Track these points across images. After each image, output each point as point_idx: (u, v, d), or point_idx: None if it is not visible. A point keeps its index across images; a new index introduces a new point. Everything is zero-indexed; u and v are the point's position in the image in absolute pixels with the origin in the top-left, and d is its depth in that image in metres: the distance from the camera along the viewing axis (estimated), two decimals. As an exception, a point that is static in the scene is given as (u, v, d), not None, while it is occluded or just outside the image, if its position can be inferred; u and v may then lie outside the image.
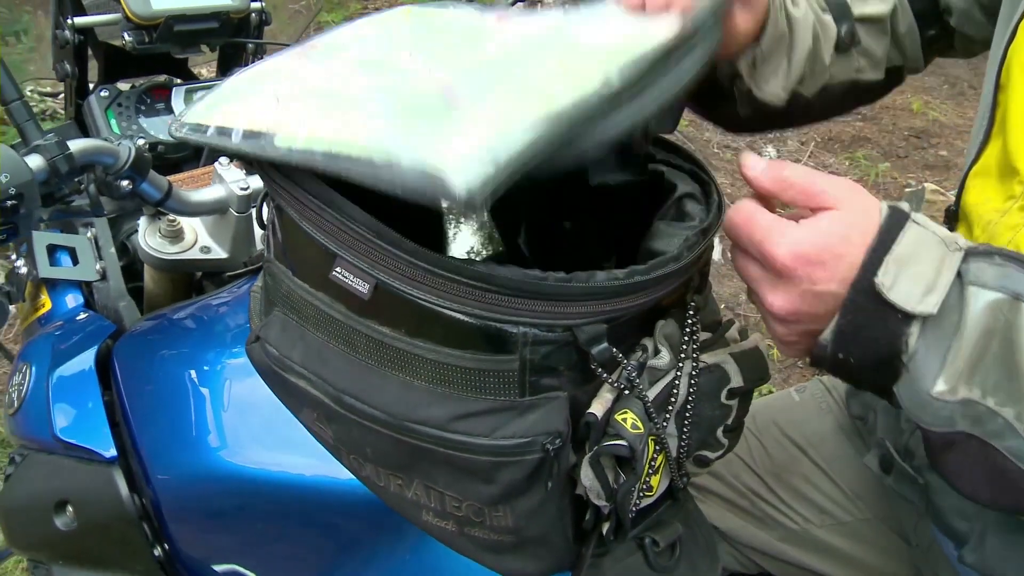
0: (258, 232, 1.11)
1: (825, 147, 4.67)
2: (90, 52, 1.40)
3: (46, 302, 1.27)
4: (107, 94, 1.35)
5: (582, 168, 0.84)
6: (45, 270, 1.22)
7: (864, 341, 0.60)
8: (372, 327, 0.65)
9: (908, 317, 0.57)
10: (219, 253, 1.10)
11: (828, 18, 0.95)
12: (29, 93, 4.08)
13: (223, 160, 1.10)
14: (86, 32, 1.34)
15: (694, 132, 4.45)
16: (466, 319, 0.60)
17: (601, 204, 0.93)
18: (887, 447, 0.98)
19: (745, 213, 0.65)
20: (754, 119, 0.97)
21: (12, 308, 1.29)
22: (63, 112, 1.45)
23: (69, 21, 1.30)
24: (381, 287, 0.62)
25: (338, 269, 0.65)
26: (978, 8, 0.97)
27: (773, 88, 0.92)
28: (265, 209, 0.82)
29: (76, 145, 0.92)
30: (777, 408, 1.20)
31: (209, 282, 1.18)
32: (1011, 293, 0.56)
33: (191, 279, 1.19)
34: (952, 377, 0.57)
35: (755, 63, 0.90)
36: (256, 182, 1.07)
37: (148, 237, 1.11)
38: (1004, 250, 0.59)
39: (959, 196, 0.87)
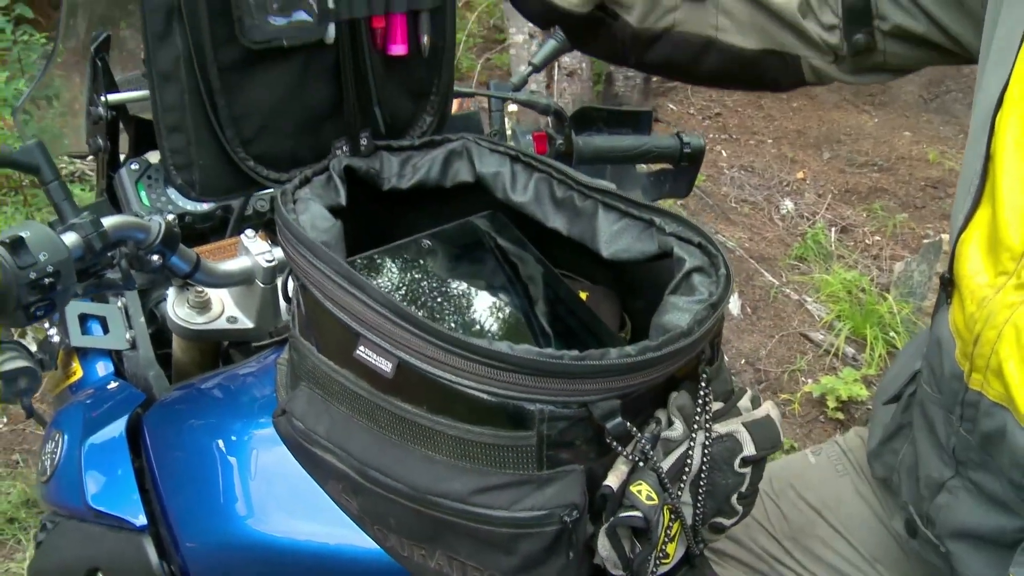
0: (283, 302, 1.14)
1: (842, 199, 4.69)
2: (121, 125, 1.45)
3: (77, 370, 1.30)
4: (137, 167, 1.40)
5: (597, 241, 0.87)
6: (77, 339, 1.26)
7: None
8: (395, 404, 0.68)
9: None
10: (245, 323, 1.13)
11: None
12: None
13: (249, 232, 1.14)
14: (118, 108, 1.39)
15: (711, 187, 4.49)
16: (486, 397, 0.63)
17: (615, 276, 0.96)
18: (911, 511, 0.99)
19: None
20: (596, 42, 1.05)
21: (44, 375, 1.32)
22: (92, 174, 1.50)
23: (103, 98, 1.34)
24: (404, 366, 0.65)
25: (362, 348, 0.68)
26: (899, 39, 1.01)
27: None
28: (290, 283, 0.85)
29: (109, 222, 0.96)
30: (793, 470, 1.21)
31: (236, 350, 1.21)
32: None
33: (218, 347, 1.22)
34: None
35: None
36: (281, 253, 1.10)
37: (177, 308, 1.14)
38: None
39: (952, 264, 0.89)
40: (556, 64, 4.62)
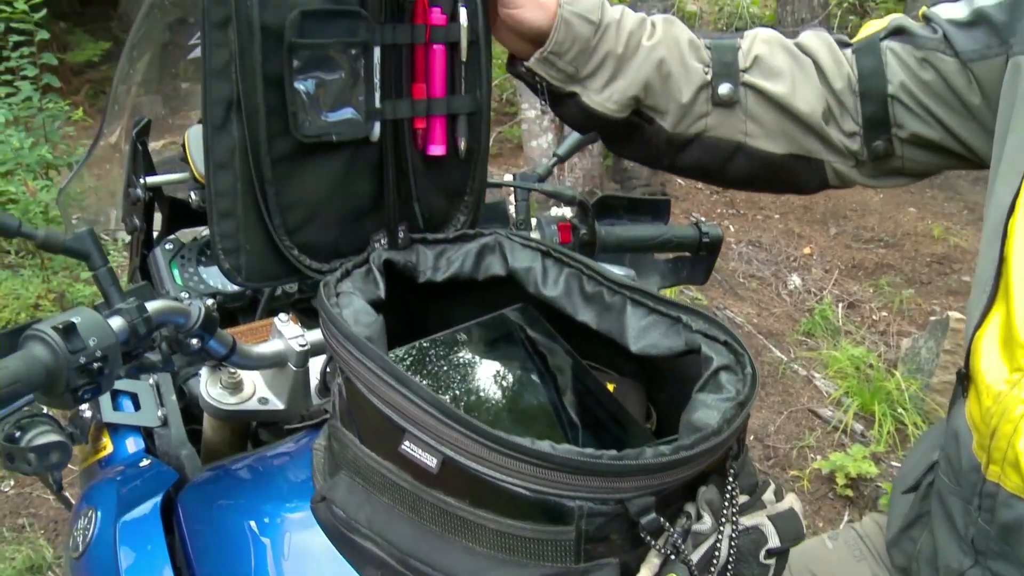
0: (313, 384, 1.17)
1: (849, 274, 4.74)
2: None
3: (107, 445, 1.33)
4: (171, 247, 1.44)
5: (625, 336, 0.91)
6: (109, 415, 1.29)
7: None
8: (438, 497, 0.71)
9: None
10: (276, 405, 1.16)
11: (696, 64, 1.05)
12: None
13: (282, 316, 1.17)
14: (155, 189, 1.44)
15: (719, 262, 4.52)
16: (527, 494, 0.66)
17: (640, 368, 1.00)
18: None
19: None
20: (631, 145, 1.09)
21: (74, 449, 1.35)
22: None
23: (142, 180, 1.40)
24: (448, 462, 0.68)
25: (407, 444, 0.71)
26: (916, 145, 1.05)
27: (601, 98, 1.03)
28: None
29: (153, 307, 1.00)
30: (811, 555, 1.22)
31: (266, 431, 1.24)
32: None
33: (248, 427, 1.25)
34: None
35: (553, 64, 1.02)
36: (313, 337, 1.14)
37: (210, 388, 1.17)
38: None
39: (968, 359, 0.92)
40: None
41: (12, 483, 3.11)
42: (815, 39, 1.10)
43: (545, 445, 0.65)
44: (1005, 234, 0.88)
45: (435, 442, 0.69)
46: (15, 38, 4.24)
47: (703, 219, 5.09)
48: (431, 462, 0.69)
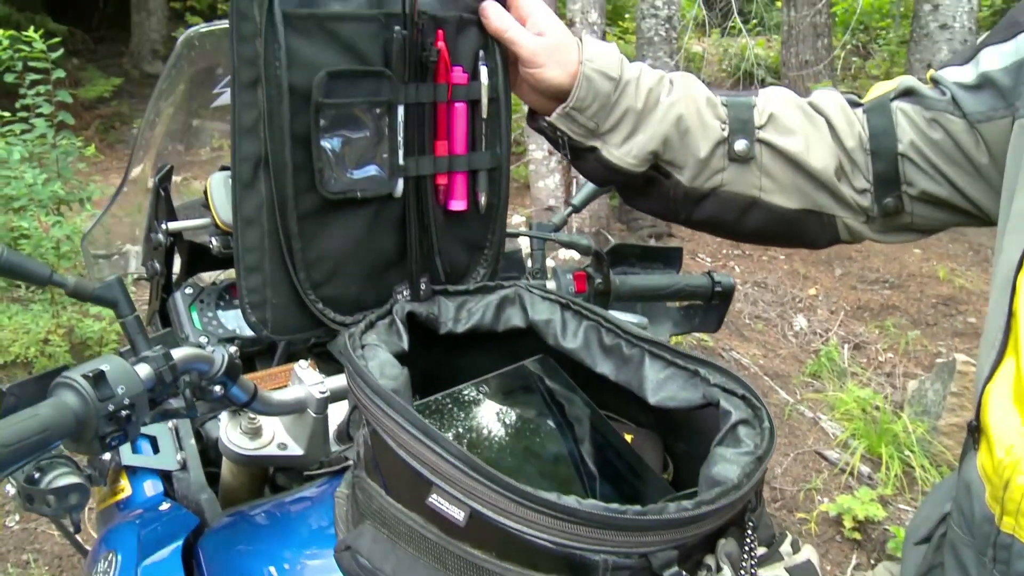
0: (332, 430, 1.19)
1: (855, 315, 4.75)
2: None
3: (125, 487, 1.34)
4: (191, 291, 1.47)
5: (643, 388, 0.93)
6: (128, 457, 1.30)
7: None
8: (464, 549, 0.72)
9: None
10: (295, 450, 1.18)
11: (713, 121, 1.07)
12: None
13: (302, 363, 1.19)
14: (175, 235, 1.47)
15: (725, 301, 4.54)
16: (553, 547, 0.68)
17: (657, 419, 1.01)
18: None
19: None
20: (648, 199, 1.12)
21: (92, 491, 1.36)
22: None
23: (164, 226, 1.42)
24: (475, 515, 0.70)
25: (434, 497, 0.72)
26: (926, 202, 1.08)
27: (621, 153, 1.06)
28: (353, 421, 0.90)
29: (178, 355, 1.01)
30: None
31: (283, 475, 1.25)
32: None
33: (266, 472, 1.27)
34: None
35: (575, 119, 1.04)
36: (333, 383, 1.15)
37: (230, 433, 1.19)
38: None
39: (978, 411, 0.94)
40: (575, 180, 4.75)
41: (17, 518, 3.11)
42: (827, 98, 1.13)
43: (571, 500, 0.67)
44: (1014, 289, 0.90)
45: (463, 496, 0.70)
46: (32, 76, 4.30)
47: (710, 264, 5.10)
48: (458, 515, 0.71)
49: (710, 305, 1.44)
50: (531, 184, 5.15)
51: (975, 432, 0.95)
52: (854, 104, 1.12)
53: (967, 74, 1.03)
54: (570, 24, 5.26)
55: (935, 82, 1.07)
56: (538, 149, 4.79)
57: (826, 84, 8.35)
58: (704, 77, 8.97)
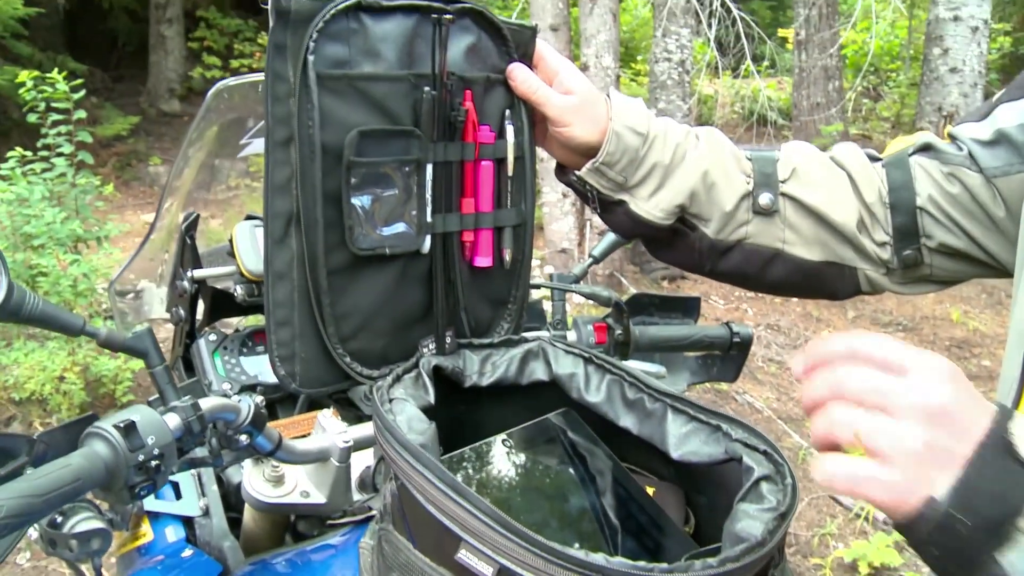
0: (354, 479, 1.20)
1: (867, 358, 4.73)
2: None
3: (147, 533, 1.35)
4: (215, 338, 1.49)
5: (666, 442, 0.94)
6: (150, 503, 1.31)
7: (988, 496, 0.59)
8: (492, 605, 0.73)
9: None
10: (318, 498, 1.19)
11: (738, 175, 1.10)
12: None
13: (325, 412, 1.21)
14: (200, 282, 1.49)
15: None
16: (581, 605, 0.68)
17: (679, 472, 1.02)
18: None
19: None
20: (673, 251, 1.13)
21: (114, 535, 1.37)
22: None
23: (189, 273, 1.45)
24: (504, 571, 0.71)
25: (463, 552, 0.73)
26: (944, 255, 1.10)
27: (649, 206, 1.08)
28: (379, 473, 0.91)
29: (206, 405, 1.03)
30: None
31: (305, 523, 1.26)
32: None
33: (288, 519, 1.28)
34: None
35: (604, 174, 1.07)
36: (357, 433, 1.17)
37: (252, 480, 1.20)
38: None
39: None
40: (588, 223, 4.78)
41: (28, 556, 3.12)
42: (848, 153, 1.15)
43: (599, 558, 0.68)
44: None
45: (492, 552, 0.71)
46: (53, 116, 4.37)
47: (723, 306, 5.10)
48: (487, 571, 0.72)
49: (728, 355, 1.45)
50: (545, 226, 5.18)
51: None
52: (873, 159, 1.15)
53: (984, 131, 1.05)
54: (584, 68, 5.33)
55: (952, 138, 1.10)
56: (552, 192, 4.82)
57: (838, 127, 8.40)
58: (716, 119, 9.05)
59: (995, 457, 0.60)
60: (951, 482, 0.60)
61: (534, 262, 1.45)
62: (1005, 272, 1.08)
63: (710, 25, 5.88)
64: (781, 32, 11.27)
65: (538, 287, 1.41)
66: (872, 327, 5.11)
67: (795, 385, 4.34)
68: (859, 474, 0.63)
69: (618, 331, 1.31)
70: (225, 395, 1.18)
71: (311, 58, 0.92)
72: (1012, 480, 0.59)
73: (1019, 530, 0.58)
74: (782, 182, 1.10)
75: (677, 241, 1.12)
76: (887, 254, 1.12)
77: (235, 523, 1.30)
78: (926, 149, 1.11)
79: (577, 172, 1.08)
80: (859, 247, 1.12)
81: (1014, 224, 1.02)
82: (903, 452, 0.62)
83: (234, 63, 10.32)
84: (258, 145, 1.64)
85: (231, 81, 1.53)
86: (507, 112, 1.06)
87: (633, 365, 1.33)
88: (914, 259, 1.11)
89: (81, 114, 4.42)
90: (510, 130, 1.05)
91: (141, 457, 0.93)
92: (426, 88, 0.98)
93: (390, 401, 0.90)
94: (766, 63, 10.14)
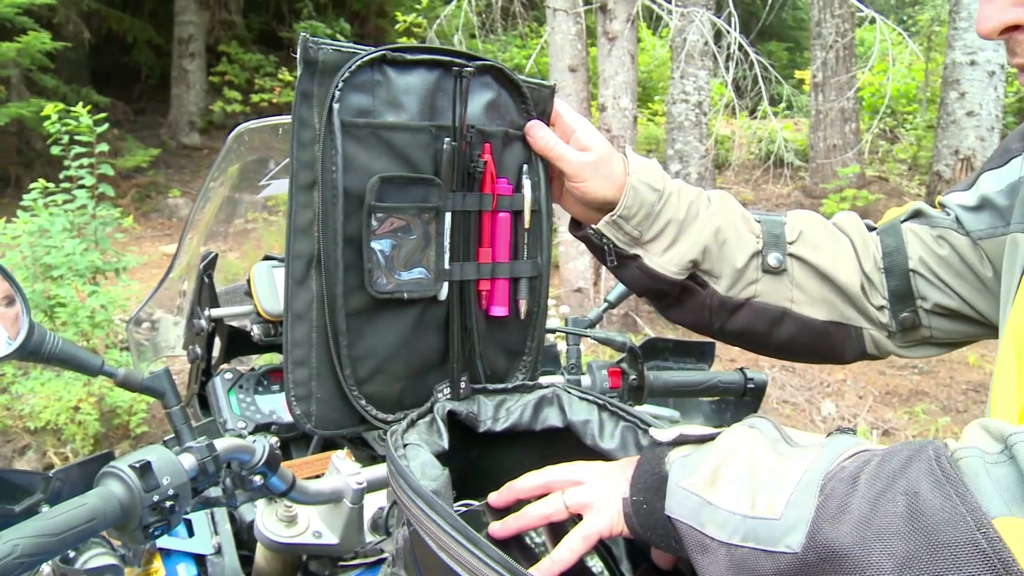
0: (367, 521, 1.20)
1: (883, 401, 4.71)
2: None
3: (159, 570, 1.35)
4: (231, 376, 1.49)
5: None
6: (162, 540, 1.31)
7: (645, 478, 0.85)
8: (502, 655, 0.73)
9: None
10: (330, 539, 1.19)
11: (748, 234, 1.13)
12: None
13: (340, 453, 1.21)
14: (217, 320, 1.50)
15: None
16: (591, 659, 0.68)
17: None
18: None
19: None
20: (683, 309, 1.16)
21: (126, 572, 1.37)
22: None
23: (207, 312, 1.46)
24: (516, 621, 0.71)
25: (475, 602, 0.73)
26: (940, 316, 1.12)
27: (663, 261, 1.10)
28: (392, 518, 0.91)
29: (221, 445, 1.04)
30: None
31: (317, 563, 1.26)
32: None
33: (299, 559, 1.28)
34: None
35: (621, 227, 1.09)
36: (370, 474, 1.17)
37: (265, 520, 1.20)
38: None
39: None
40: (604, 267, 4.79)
41: (38, 587, 3.10)
42: (848, 220, 1.19)
43: (610, 613, 0.68)
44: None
45: (503, 602, 0.71)
46: (76, 148, 4.43)
47: (735, 349, 5.10)
48: (497, 622, 0.72)
49: (742, 400, 1.45)
50: (561, 265, 5.20)
51: None
52: (870, 228, 1.19)
53: (969, 197, 1.10)
54: (602, 108, 5.36)
55: (942, 206, 1.14)
56: (567, 232, 4.84)
57: (854, 168, 8.41)
58: (733, 160, 9.07)
59: (648, 462, 0.86)
60: (628, 485, 0.87)
61: (550, 302, 1.46)
62: (996, 332, 1.10)
63: (728, 67, 5.92)
64: (798, 74, 11.33)
65: (553, 331, 1.42)
66: (887, 369, 5.09)
67: (809, 427, 4.31)
68: (584, 529, 0.86)
69: (632, 376, 1.32)
70: (240, 434, 1.18)
71: (336, 106, 0.94)
72: (655, 469, 0.85)
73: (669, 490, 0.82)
74: (790, 243, 1.14)
75: (687, 299, 1.14)
76: (886, 318, 1.15)
77: (247, 561, 1.30)
78: (917, 215, 1.15)
79: (594, 226, 1.10)
80: (863, 309, 1.15)
81: (1000, 284, 1.04)
82: (590, 495, 0.89)
83: (254, 97, 10.46)
84: (277, 186, 1.67)
85: (252, 124, 1.56)
86: (525, 167, 1.09)
87: (647, 410, 1.33)
88: (912, 321, 1.14)
89: (104, 147, 4.48)
90: (527, 184, 1.08)
91: (156, 497, 0.93)
92: (446, 139, 1.00)
93: (404, 446, 0.90)
94: (783, 105, 10.18)
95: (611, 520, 0.86)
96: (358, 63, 0.95)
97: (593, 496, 0.88)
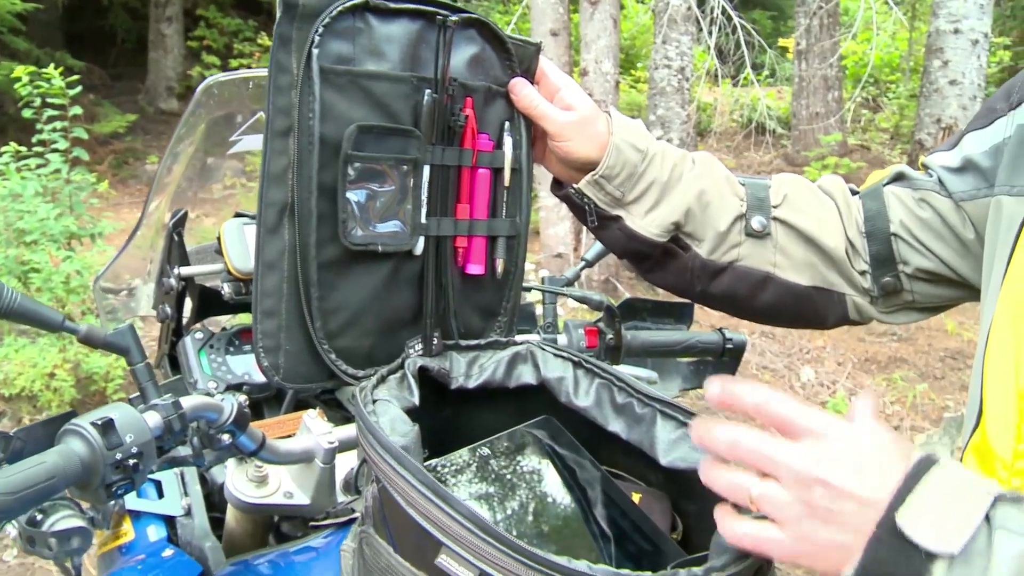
0: (339, 481, 1.18)
1: (862, 368, 4.73)
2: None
3: (128, 532, 1.33)
4: (201, 336, 1.47)
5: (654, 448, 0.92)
6: (132, 502, 1.29)
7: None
8: (471, 610, 0.71)
9: (931, 556, 0.61)
10: (301, 499, 1.17)
11: (732, 197, 1.11)
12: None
13: (311, 412, 1.19)
14: (187, 279, 1.47)
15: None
16: (563, 612, 0.67)
17: (666, 478, 1.01)
18: None
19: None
20: (665, 272, 1.14)
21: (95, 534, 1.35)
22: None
23: (176, 271, 1.43)
24: (484, 577, 0.69)
25: (443, 557, 0.72)
26: (922, 280, 1.11)
27: (645, 222, 1.08)
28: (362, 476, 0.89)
29: (187, 403, 1.01)
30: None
31: (289, 524, 1.25)
32: None
33: (271, 520, 1.26)
34: None
35: (603, 187, 1.07)
36: (341, 434, 1.15)
37: (236, 481, 1.18)
38: None
39: None
40: (584, 228, 4.77)
41: (15, 553, 3.10)
42: (833, 183, 1.18)
43: (582, 565, 0.66)
44: (983, 362, 0.93)
45: (472, 557, 0.69)
46: (49, 112, 4.35)
47: (718, 313, 5.11)
48: (467, 577, 0.70)
49: (721, 361, 1.44)
50: (541, 231, 5.17)
51: None
52: (853, 192, 1.18)
53: (952, 158, 1.08)
54: (583, 73, 5.32)
55: (925, 167, 1.13)
56: (549, 196, 4.81)
57: (836, 136, 8.41)
58: (715, 127, 9.05)
59: (889, 538, 0.62)
60: (856, 564, 0.64)
61: (529, 266, 1.44)
62: (979, 295, 1.09)
63: (711, 32, 5.88)
64: (782, 42, 11.28)
65: (529, 290, 1.40)
66: (866, 336, 5.11)
67: (789, 393, 4.33)
68: (760, 536, 0.69)
69: (609, 335, 1.30)
70: (209, 394, 1.16)
71: (316, 52, 0.92)
72: (905, 561, 0.62)
73: None
74: (774, 207, 1.12)
75: (669, 261, 1.12)
76: (868, 283, 1.14)
77: (218, 523, 1.28)
78: (899, 178, 1.14)
79: (575, 185, 1.08)
80: (847, 274, 1.13)
81: (983, 247, 1.04)
82: (788, 518, 0.67)
83: (233, 62, 10.31)
84: (248, 142, 1.63)
85: (221, 77, 1.52)
86: (507, 124, 1.07)
87: (625, 370, 1.32)
88: (893, 286, 1.13)
89: (77, 110, 4.41)
90: (508, 142, 1.06)
91: (119, 455, 0.91)
92: (428, 91, 0.98)
93: (373, 402, 0.88)
94: (766, 72, 10.15)
95: (799, 557, 0.68)
96: (339, 8, 0.92)
97: (785, 521, 0.68)
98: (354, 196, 0.95)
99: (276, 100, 0.93)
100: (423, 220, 1.00)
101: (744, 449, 0.69)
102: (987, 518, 0.62)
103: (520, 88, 1.06)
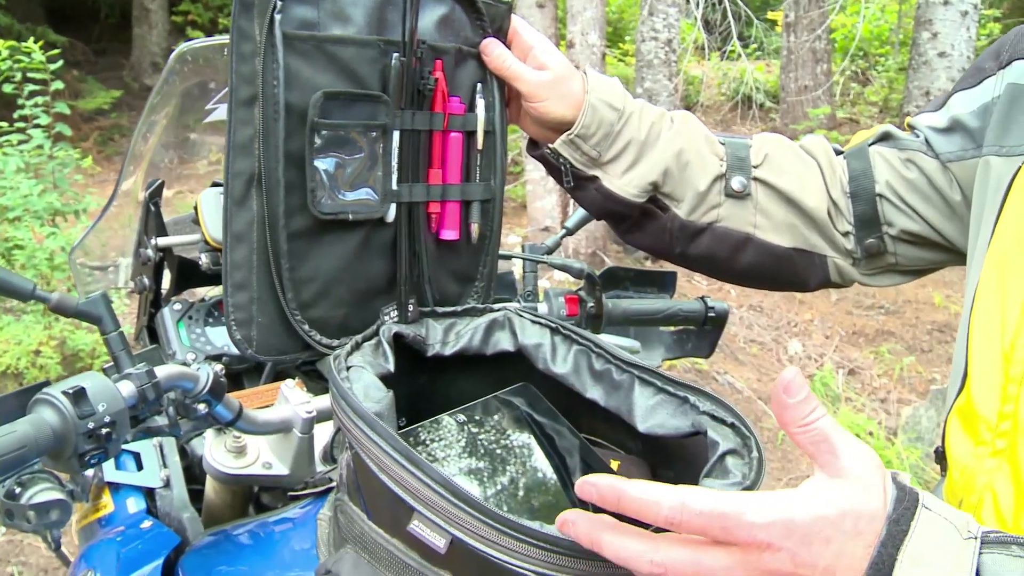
0: (318, 451, 1.17)
1: (850, 340, 4.74)
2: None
3: (108, 504, 1.32)
4: (180, 307, 1.46)
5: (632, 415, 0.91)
6: (111, 474, 1.29)
7: None
8: (444, 576, 0.71)
9: None
10: (280, 470, 1.16)
11: (712, 157, 1.09)
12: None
13: (289, 382, 1.18)
14: (165, 250, 1.46)
15: (720, 324, 4.54)
16: (535, 578, 0.66)
17: (644, 445, 1.00)
18: None
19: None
20: (643, 233, 1.12)
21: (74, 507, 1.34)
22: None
23: (153, 241, 1.41)
24: (457, 543, 0.68)
25: (416, 523, 0.71)
26: (906, 242, 1.10)
27: (622, 182, 1.07)
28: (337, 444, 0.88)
29: (162, 372, 1.00)
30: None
31: (268, 495, 1.24)
32: None
33: (250, 491, 1.25)
34: None
35: (578, 147, 1.05)
36: (320, 404, 1.14)
37: (214, 451, 1.17)
38: (1019, 538, 0.59)
39: (943, 438, 0.96)
40: (571, 201, 4.75)
41: (3, 531, 3.09)
42: (816, 144, 1.16)
43: (554, 530, 0.65)
44: (968, 327, 0.94)
45: (444, 523, 0.69)
46: (30, 87, 4.31)
47: (705, 286, 5.10)
48: (439, 543, 0.69)
49: (703, 330, 1.43)
50: (528, 204, 5.15)
51: (941, 460, 0.98)
52: (837, 152, 1.16)
53: (939, 119, 1.07)
54: (570, 45, 5.29)
55: (911, 128, 1.12)
56: (536, 170, 4.80)
57: (825, 109, 8.39)
58: (703, 100, 9.02)
59: None
60: None
61: (514, 238, 1.42)
62: (964, 258, 1.08)
63: (698, 4, 5.84)
64: (770, 15, 11.23)
65: (508, 258, 1.39)
66: (854, 309, 5.12)
67: (776, 366, 4.34)
68: None
69: (590, 303, 1.29)
70: (186, 364, 1.15)
71: (278, 17, 0.90)
72: None
73: None
74: (755, 167, 1.10)
75: (647, 222, 1.11)
76: (851, 244, 1.13)
77: (198, 495, 1.28)
78: (885, 138, 1.12)
79: (550, 145, 1.06)
80: (829, 235, 1.12)
81: (969, 209, 1.03)
82: None
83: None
84: (224, 111, 1.61)
85: (195, 43, 1.49)
86: (479, 86, 1.05)
87: (607, 340, 1.31)
88: (877, 248, 1.11)
89: (59, 85, 4.36)
90: (481, 104, 1.04)
91: (91, 424, 0.90)
92: (395, 54, 0.96)
93: (347, 369, 0.87)
94: (754, 45, 10.10)
95: None
96: (301, -29, 0.90)
97: None
98: (322, 164, 0.93)
99: (239, 68, 0.91)
100: (394, 187, 0.99)
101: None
102: (978, 572, 0.57)
103: (492, 48, 1.04)
